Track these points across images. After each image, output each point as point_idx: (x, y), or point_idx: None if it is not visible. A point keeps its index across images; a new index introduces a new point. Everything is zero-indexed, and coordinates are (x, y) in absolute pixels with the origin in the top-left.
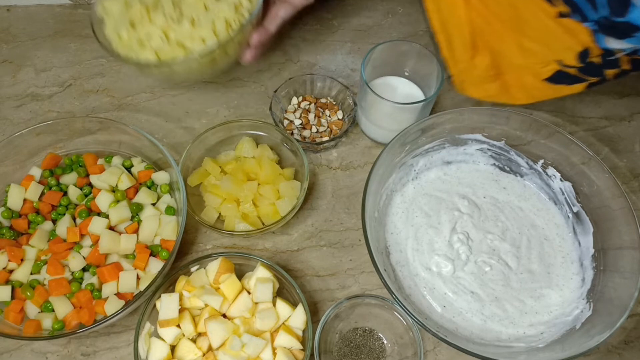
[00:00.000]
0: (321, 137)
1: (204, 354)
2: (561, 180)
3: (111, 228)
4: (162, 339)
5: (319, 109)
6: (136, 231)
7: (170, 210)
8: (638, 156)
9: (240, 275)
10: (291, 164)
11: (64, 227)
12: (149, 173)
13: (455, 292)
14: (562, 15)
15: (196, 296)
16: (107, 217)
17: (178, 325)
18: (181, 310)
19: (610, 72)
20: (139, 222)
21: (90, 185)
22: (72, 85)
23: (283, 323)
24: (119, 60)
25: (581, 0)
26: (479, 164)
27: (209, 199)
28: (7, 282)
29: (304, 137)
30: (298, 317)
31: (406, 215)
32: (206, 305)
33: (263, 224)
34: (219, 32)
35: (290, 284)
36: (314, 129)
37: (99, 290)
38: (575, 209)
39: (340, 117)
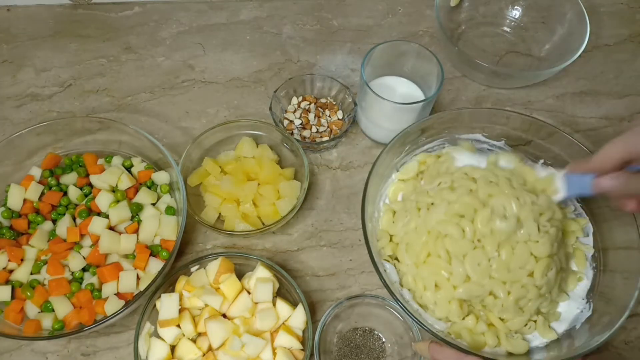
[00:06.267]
0: (321, 137)
1: (204, 354)
2: None
3: (111, 228)
4: (162, 339)
5: (319, 109)
6: (136, 231)
7: (170, 210)
8: None
9: (240, 275)
10: (291, 164)
11: (64, 227)
12: (149, 173)
13: None
14: None
15: (196, 296)
16: (107, 217)
17: (178, 325)
18: (181, 310)
19: None
20: (139, 222)
21: (90, 185)
22: (72, 85)
23: (283, 323)
24: None
25: None
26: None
27: (209, 199)
28: (7, 282)
29: (304, 137)
30: (298, 317)
31: None
32: (206, 305)
33: (263, 224)
34: None
35: (290, 284)
36: (314, 129)
37: (99, 290)
38: (575, 209)
39: (340, 117)
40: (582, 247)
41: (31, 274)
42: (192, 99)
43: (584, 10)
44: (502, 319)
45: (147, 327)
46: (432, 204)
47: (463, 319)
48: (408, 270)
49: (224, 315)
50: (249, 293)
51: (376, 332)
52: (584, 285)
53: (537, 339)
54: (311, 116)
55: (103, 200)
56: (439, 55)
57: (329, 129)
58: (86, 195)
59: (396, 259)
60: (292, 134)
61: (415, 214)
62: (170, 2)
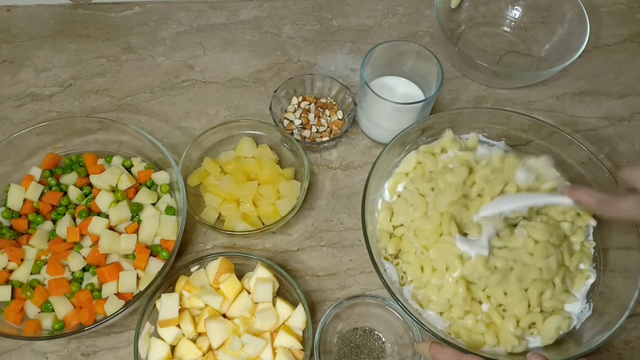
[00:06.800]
0: (321, 137)
1: (204, 354)
2: None
3: (111, 228)
4: (162, 339)
5: (319, 109)
6: (136, 231)
7: (170, 210)
8: (638, 156)
9: (240, 275)
10: (291, 164)
11: (64, 227)
12: (149, 173)
13: None
14: None
15: (196, 296)
16: (107, 217)
17: (178, 325)
18: (181, 310)
19: None
20: (139, 222)
21: (90, 185)
22: (72, 85)
23: (283, 323)
24: None
25: None
26: None
27: (209, 199)
28: (7, 282)
29: (304, 137)
30: (298, 317)
31: None
32: (206, 305)
33: (263, 224)
34: None
35: (290, 284)
36: (314, 129)
37: (99, 290)
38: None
39: (340, 117)
40: (588, 245)
41: (31, 274)
42: (192, 99)
43: (584, 10)
44: (504, 311)
45: (147, 327)
46: (433, 189)
47: (464, 318)
48: (414, 258)
49: (224, 315)
50: (249, 293)
51: (376, 332)
52: (586, 284)
53: (538, 339)
54: (311, 116)
55: (103, 200)
56: (439, 55)
57: (329, 129)
58: (86, 195)
59: (396, 257)
60: (292, 134)
61: (420, 201)
62: (170, 2)
